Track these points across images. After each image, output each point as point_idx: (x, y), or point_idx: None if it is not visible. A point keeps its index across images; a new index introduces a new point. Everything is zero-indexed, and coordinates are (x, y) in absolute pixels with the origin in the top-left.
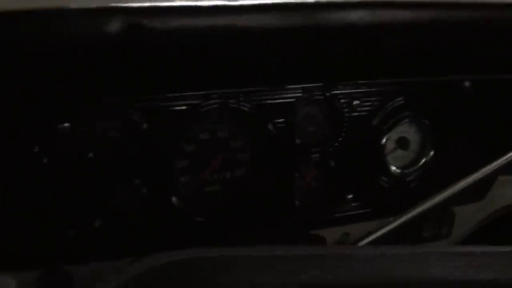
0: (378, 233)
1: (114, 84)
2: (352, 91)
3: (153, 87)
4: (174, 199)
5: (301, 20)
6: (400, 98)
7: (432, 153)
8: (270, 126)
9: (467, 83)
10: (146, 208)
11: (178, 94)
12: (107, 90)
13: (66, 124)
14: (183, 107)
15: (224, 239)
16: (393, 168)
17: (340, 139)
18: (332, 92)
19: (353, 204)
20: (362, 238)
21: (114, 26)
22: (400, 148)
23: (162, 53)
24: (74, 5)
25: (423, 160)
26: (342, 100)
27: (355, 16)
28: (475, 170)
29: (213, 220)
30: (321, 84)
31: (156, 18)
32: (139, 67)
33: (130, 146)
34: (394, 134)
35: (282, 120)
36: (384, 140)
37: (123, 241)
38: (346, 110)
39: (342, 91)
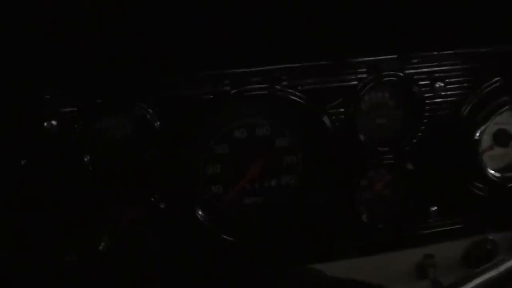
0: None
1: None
2: (434, 69)
3: (167, 67)
4: (200, 214)
5: None
6: (497, 78)
7: None
8: (326, 119)
9: None
10: (164, 228)
11: (199, 76)
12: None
13: (53, 123)
14: (209, 96)
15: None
16: (490, 171)
17: (419, 134)
18: (408, 71)
19: (438, 218)
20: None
21: None
22: (499, 144)
23: None
24: None
25: None
26: (421, 82)
27: None
28: None
29: (249, 242)
30: (393, 56)
31: None
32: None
33: (140, 151)
34: (491, 127)
35: (341, 110)
36: (477, 135)
37: (133, 269)
38: (426, 95)
39: (421, 69)
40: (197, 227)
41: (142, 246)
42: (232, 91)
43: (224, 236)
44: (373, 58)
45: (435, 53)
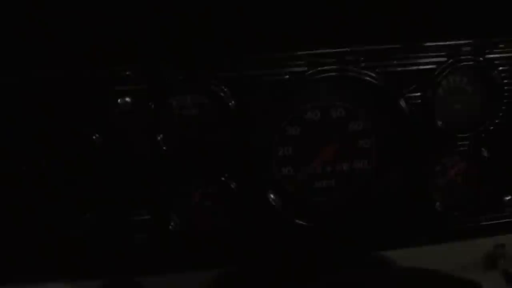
0: None
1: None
2: None
3: (243, 47)
4: (271, 196)
5: None
6: None
7: None
8: (402, 103)
9: None
10: (235, 208)
11: (275, 56)
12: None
13: (127, 99)
14: (284, 76)
15: (330, 253)
16: None
17: (497, 120)
18: (487, 56)
19: None
20: None
21: None
22: None
23: None
24: None
25: None
26: (501, 68)
27: None
28: None
29: (321, 226)
30: (471, 41)
31: None
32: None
33: (213, 129)
34: None
35: (419, 94)
36: None
37: (203, 250)
38: (505, 81)
39: (501, 54)
40: (268, 210)
41: (212, 227)
42: (308, 72)
43: (296, 220)
44: (453, 42)
45: None
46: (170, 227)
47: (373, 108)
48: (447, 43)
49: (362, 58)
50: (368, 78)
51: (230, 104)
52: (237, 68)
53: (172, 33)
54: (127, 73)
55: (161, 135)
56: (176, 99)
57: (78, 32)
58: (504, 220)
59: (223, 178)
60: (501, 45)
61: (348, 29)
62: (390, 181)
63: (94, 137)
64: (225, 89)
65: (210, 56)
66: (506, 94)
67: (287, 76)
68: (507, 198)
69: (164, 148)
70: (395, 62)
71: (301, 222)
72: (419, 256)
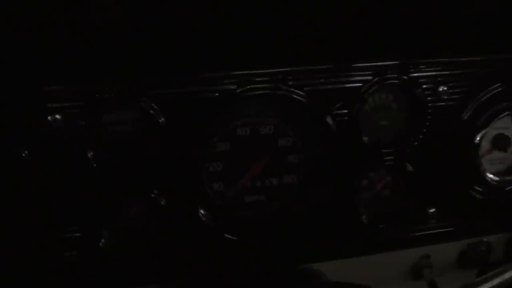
0: None
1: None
2: (437, 73)
3: (174, 66)
4: (201, 212)
5: None
6: (498, 84)
7: None
8: (329, 119)
9: None
10: (165, 224)
11: (206, 75)
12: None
13: (57, 116)
14: (214, 94)
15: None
16: (489, 174)
17: (420, 136)
18: (411, 75)
19: (436, 220)
20: None
21: None
22: (498, 148)
23: None
24: None
25: None
26: (425, 86)
27: None
28: None
29: (250, 240)
30: (396, 62)
31: None
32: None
33: (144, 146)
34: (491, 131)
35: (345, 111)
36: (477, 139)
37: (133, 266)
38: (429, 98)
39: (424, 73)
40: (199, 225)
41: (142, 243)
42: (238, 90)
43: (226, 235)
44: (379, 63)
45: (437, 60)
46: (101, 244)
47: (302, 125)
48: (373, 64)
49: (290, 77)
50: (296, 96)
51: (160, 121)
52: (167, 86)
53: (102, 51)
54: (58, 90)
55: (92, 152)
56: (106, 116)
57: (9, 48)
58: (429, 232)
59: (153, 195)
60: (422, 66)
61: (278, 49)
62: (318, 195)
63: (23, 154)
64: (155, 106)
65: (140, 73)
66: (429, 110)
67: (217, 94)
68: (431, 210)
69: (94, 165)
70: (322, 80)
71: (230, 236)
72: (347, 268)
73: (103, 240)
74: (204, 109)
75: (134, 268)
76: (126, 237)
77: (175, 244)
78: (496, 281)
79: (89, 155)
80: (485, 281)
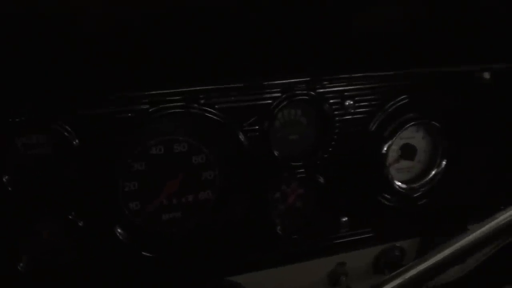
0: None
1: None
2: (344, 88)
3: (86, 87)
4: (119, 231)
5: None
6: (403, 96)
7: (444, 163)
8: (241, 136)
9: (486, 75)
10: (84, 245)
11: (119, 96)
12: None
13: None
14: (127, 114)
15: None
16: (397, 182)
17: (330, 149)
18: (319, 90)
19: (349, 229)
20: None
21: None
22: (405, 158)
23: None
24: None
25: (433, 172)
26: (332, 100)
27: None
28: (496, 183)
29: (168, 257)
30: (304, 79)
31: None
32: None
33: (59, 168)
34: (397, 141)
35: (256, 127)
36: (385, 149)
37: None
38: (336, 112)
39: (331, 88)
40: (116, 244)
41: (62, 265)
42: (150, 110)
43: (143, 253)
44: (287, 80)
45: (344, 76)
46: (19, 267)
47: (215, 142)
48: (282, 81)
49: (202, 96)
50: (208, 114)
51: (74, 143)
52: (80, 108)
53: (14, 74)
54: None
55: (7, 176)
56: (21, 140)
57: None
58: (342, 240)
59: (70, 216)
60: (328, 82)
61: (190, 69)
62: (233, 209)
63: None
64: (69, 129)
65: (53, 96)
66: (337, 124)
67: (130, 114)
68: (344, 219)
69: (9, 189)
70: (233, 98)
71: (148, 254)
72: (267, 279)
73: (21, 264)
74: (117, 129)
75: None
76: (45, 260)
77: (95, 264)
78: (398, 281)
79: (4, 179)
80: (391, 279)
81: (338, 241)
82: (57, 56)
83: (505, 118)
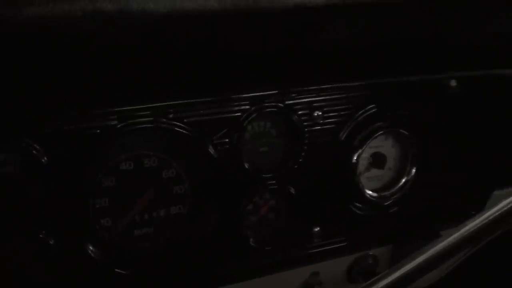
0: None
1: None
2: (312, 99)
3: (52, 103)
4: (90, 248)
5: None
6: (372, 105)
7: (414, 170)
8: (211, 149)
9: (453, 82)
10: (55, 264)
11: (86, 112)
12: None
13: None
14: (96, 130)
15: None
16: (368, 191)
17: (300, 160)
18: (287, 102)
19: (321, 238)
20: None
21: None
22: (375, 166)
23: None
24: None
25: (404, 180)
26: (300, 112)
27: None
28: (467, 189)
29: (141, 273)
30: (272, 92)
31: None
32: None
33: (28, 187)
34: (367, 150)
35: (226, 140)
36: (355, 158)
37: None
38: (305, 123)
39: (300, 100)
40: (88, 262)
41: (34, 285)
42: (119, 125)
43: (117, 270)
44: (256, 94)
45: (311, 87)
46: None
47: (185, 156)
48: (250, 94)
49: (171, 110)
50: (177, 129)
51: (43, 160)
52: (48, 125)
53: None
54: None
55: None
56: None
57: None
58: (315, 250)
59: (41, 235)
60: (296, 94)
61: (157, 84)
62: (206, 222)
63: None
64: (37, 146)
65: (19, 114)
66: (306, 135)
67: (98, 131)
68: (316, 229)
69: None
70: (202, 112)
71: (121, 270)
72: None
73: None
74: (86, 146)
75: None
76: (16, 281)
77: (68, 283)
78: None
79: None
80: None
81: (311, 251)
82: (23, 72)
83: (473, 124)
